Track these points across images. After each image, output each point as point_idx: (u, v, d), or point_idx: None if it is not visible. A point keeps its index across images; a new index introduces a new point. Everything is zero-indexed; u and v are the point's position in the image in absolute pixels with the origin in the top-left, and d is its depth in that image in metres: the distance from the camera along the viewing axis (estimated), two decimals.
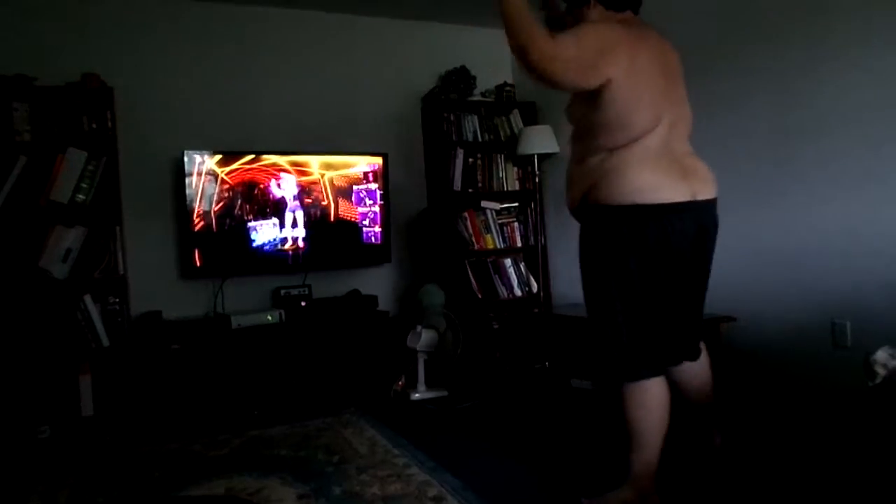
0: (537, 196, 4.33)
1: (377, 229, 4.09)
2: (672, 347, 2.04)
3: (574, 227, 2.07)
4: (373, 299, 4.02)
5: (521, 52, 1.74)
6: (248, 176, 3.74)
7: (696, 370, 2.15)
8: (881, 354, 1.76)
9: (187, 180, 3.58)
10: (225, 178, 3.68)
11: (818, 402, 2.74)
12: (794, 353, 2.90)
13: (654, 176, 1.84)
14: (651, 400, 1.90)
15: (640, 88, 1.84)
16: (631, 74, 1.82)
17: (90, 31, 3.61)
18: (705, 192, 1.91)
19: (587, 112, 1.90)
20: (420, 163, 4.46)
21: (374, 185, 4.06)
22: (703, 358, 2.17)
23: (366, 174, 4.05)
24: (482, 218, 4.39)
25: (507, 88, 4.49)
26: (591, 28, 1.85)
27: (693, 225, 1.89)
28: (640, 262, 1.86)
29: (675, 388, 2.05)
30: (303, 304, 3.86)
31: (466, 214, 4.32)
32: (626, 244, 1.86)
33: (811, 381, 2.82)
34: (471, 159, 4.35)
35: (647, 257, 1.86)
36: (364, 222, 4.06)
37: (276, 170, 3.81)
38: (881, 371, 1.75)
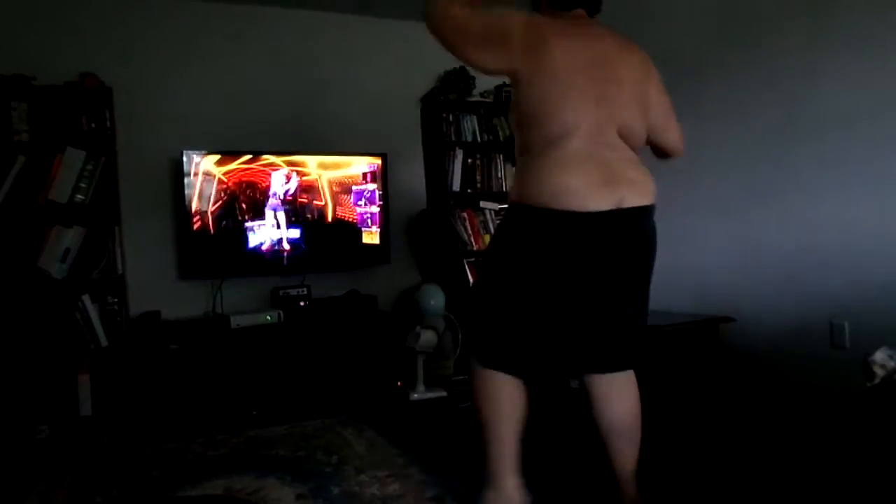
0: None
1: (376, 229, 4.09)
2: (564, 356, 1.91)
3: None
4: (372, 299, 4.02)
5: (427, 14, 1.80)
6: (248, 176, 3.74)
7: (616, 389, 1.93)
8: (879, 355, 1.76)
9: (186, 180, 3.58)
10: (224, 178, 3.67)
11: (816, 402, 2.74)
12: (792, 353, 2.90)
13: (571, 180, 1.71)
14: (495, 391, 1.84)
15: (552, 87, 1.73)
16: (541, 72, 1.74)
17: (88, 30, 3.61)
18: (634, 200, 1.76)
19: (514, 112, 1.86)
20: (419, 163, 4.47)
21: (373, 186, 4.06)
22: (627, 383, 1.95)
23: (365, 174, 4.05)
24: (481, 218, 4.39)
25: (507, 89, 4.49)
26: (507, 12, 1.79)
27: (614, 234, 1.76)
28: (540, 264, 1.77)
29: (597, 415, 1.92)
30: (302, 304, 3.86)
31: (465, 214, 4.32)
32: (530, 245, 1.78)
33: (809, 381, 2.83)
34: (470, 160, 4.35)
35: (550, 261, 1.76)
36: (363, 223, 4.06)
37: (275, 170, 3.81)
38: (879, 371, 1.75)
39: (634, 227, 1.80)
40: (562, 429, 2.81)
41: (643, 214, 1.80)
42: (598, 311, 1.83)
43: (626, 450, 1.90)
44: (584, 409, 1.97)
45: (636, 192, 1.77)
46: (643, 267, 1.87)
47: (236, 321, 3.57)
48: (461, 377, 3.74)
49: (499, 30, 1.76)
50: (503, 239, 1.88)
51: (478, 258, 4.33)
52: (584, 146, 1.73)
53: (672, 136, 1.94)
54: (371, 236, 4.08)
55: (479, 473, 2.34)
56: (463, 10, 1.75)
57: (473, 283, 2.00)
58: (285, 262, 3.86)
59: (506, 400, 1.84)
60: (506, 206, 4.64)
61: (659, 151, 1.99)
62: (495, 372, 1.84)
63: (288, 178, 3.84)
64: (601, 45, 1.82)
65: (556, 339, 1.85)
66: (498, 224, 1.99)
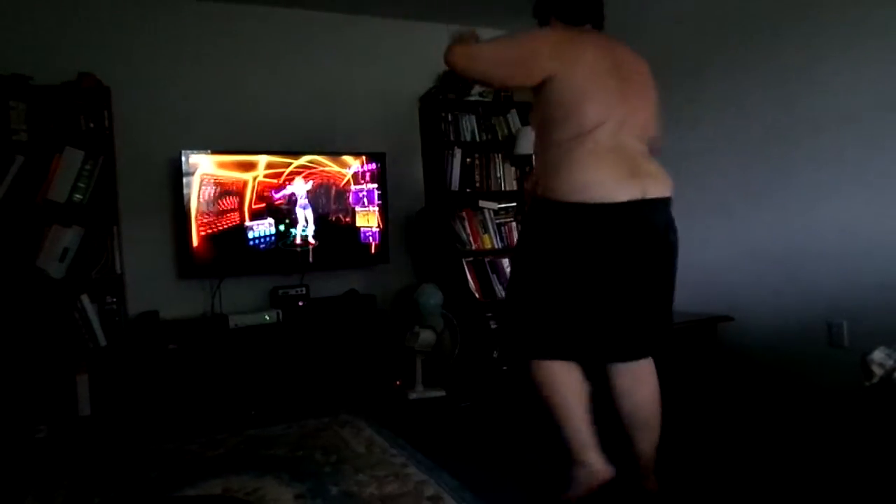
0: None
1: (375, 229, 4.09)
2: (598, 344, 1.96)
3: None
4: (371, 299, 4.01)
5: (446, 59, 1.95)
6: (246, 176, 3.73)
7: (638, 377, 2.00)
8: (878, 354, 1.76)
9: (185, 180, 3.57)
10: (222, 177, 3.67)
11: (815, 401, 2.75)
12: (790, 352, 2.90)
13: (600, 172, 1.84)
14: (556, 376, 1.93)
15: (586, 83, 1.89)
16: (575, 70, 1.89)
17: (87, 30, 3.60)
18: (656, 191, 1.89)
19: (540, 110, 1.99)
20: (418, 163, 4.46)
21: (371, 185, 4.06)
22: (648, 371, 2.02)
23: (363, 174, 4.05)
24: (480, 218, 4.39)
25: (505, 93, 4.48)
26: (530, 32, 2.00)
27: (641, 223, 1.88)
28: (573, 257, 1.88)
29: (618, 402, 2.00)
30: (300, 303, 3.85)
31: (464, 214, 4.33)
32: (562, 239, 1.89)
33: (808, 380, 2.83)
34: (468, 159, 4.35)
35: (582, 253, 1.87)
36: (362, 222, 4.06)
37: (275, 169, 3.81)
38: (878, 371, 1.75)
39: (659, 217, 1.93)
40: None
41: (665, 205, 1.94)
42: (629, 300, 1.93)
43: (646, 436, 1.99)
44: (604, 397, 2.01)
45: (657, 183, 1.90)
46: (669, 255, 1.98)
47: (235, 321, 3.57)
48: (459, 377, 3.74)
49: (529, 48, 1.94)
50: (534, 235, 1.99)
51: (476, 257, 4.34)
52: (610, 140, 1.87)
53: (659, 128, 2.09)
54: (370, 236, 4.08)
55: (476, 472, 2.34)
56: (484, 46, 1.97)
57: (509, 285, 2.11)
58: (287, 261, 3.86)
59: (568, 383, 1.93)
60: (508, 204, 4.65)
61: (652, 144, 2.08)
62: (551, 361, 1.94)
63: (287, 178, 3.84)
64: (620, 52, 2.00)
65: (593, 326, 1.93)
66: (525, 221, 2.08)
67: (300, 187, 3.88)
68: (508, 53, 1.95)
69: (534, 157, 2.11)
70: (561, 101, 1.91)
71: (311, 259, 3.92)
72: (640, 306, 1.95)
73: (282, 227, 3.83)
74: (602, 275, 1.88)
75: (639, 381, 2.00)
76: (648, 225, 1.89)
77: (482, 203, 4.39)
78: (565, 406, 1.93)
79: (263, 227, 3.79)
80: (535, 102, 2.02)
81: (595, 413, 1.97)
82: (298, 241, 3.89)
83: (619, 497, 1.98)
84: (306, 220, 3.90)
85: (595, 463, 1.92)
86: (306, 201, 3.90)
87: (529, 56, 1.92)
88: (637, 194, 1.84)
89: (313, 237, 3.92)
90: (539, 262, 1.94)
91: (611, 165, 1.85)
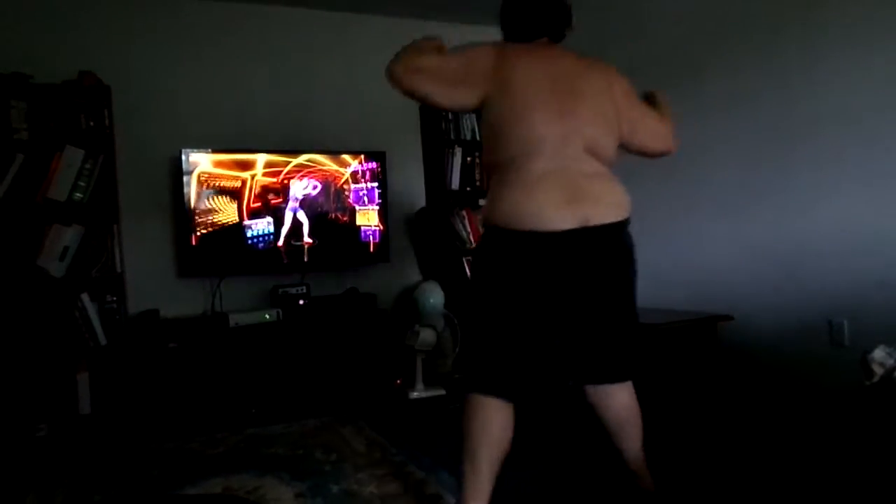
0: None
1: (375, 228, 4.09)
2: (551, 369, 1.93)
3: None
4: (371, 298, 4.01)
5: (395, 80, 1.88)
6: (246, 175, 3.73)
7: (613, 394, 1.95)
8: (878, 353, 1.76)
9: (185, 179, 3.57)
10: (222, 176, 3.67)
11: (815, 400, 2.75)
12: (791, 351, 2.90)
13: (531, 202, 1.74)
14: (485, 415, 1.81)
15: (516, 105, 1.78)
16: (506, 92, 1.79)
17: (87, 28, 3.60)
18: (599, 217, 1.76)
19: (483, 134, 1.95)
20: (418, 161, 4.46)
21: (371, 184, 4.06)
22: (622, 389, 1.96)
23: (364, 173, 4.05)
24: (480, 216, 4.38)
25: None
26: (472, 47, 1.88)
27: (578, 253, 1.77)
28: (509, 284, 1.79)
29: (597, 413, 1.97)
30: (301, 302, 3.85)
31: (464, 213, 4.32)
32: (499, 265, 1.81)
33: (808, 379, 2.83)
34: (469, 158, 4.34)
35: (518, 281, 1.78)
36: (362, 221, 4.06)
37: (275, 168, 3.81)
38: (878, 370, 1.75)
39: (602, 245, 1.81)
40: (560, 427, 2.81)
41: (611, 232, 1.81)
42: (574, 327, 1.86)
43: (628, 437, 1.95)
44: (581, 408, 1.99)
45: (600, 208, 1.78)
46: (618, 281, 1.87)
47: (235, 319, 3.57)
48: (459, 376, 3.74)
49: (470, 64, 1.83)
50: (479, 261, 1.94)
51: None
52: (548, 164, 1.76)
53: (642, 136, 1.95)
54: (370, 235, 4.08)
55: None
56: (433, 60, 1.84)
57: (465, 311, 2.02)
58: (287, 260, 3.86)
59: (494, 424, 1.82)
60: None
61: (643, 153, 2.00)
62: (487, 397, 1.82)
63: (287, 177, 3.84)
64: (562, 63, 1.88)
65: (540, 356, 1.86)
66: (475, 246, 2.04)
67: (300, 186, 3.88)
68: (451, 65, 1.83)
69: None
70: (493, 124, 1.83)
71: (311, 257, 3.91)
72: (589, 332, 1.88)
73: (281, 226, 3.83)
74: (542, 301, 1.80)
75: (612, 398, 1.95)
76: (587, 253, 1.78)
77: (482, 202, 4.39)
78: (479, 448, 1.81)
79: (262, 226, 3.79)
80: (481, 127, 1.97)
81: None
82: (298, 239, 3.88)
83: (616, 498, 1.98)
84: (305, 220, 3.90)
85: None
86: (306, 200, 3.90)
87: (474, 78, 1.82)
88: (575, 223, 1.73)
89: (313, 236, 3.92)
90: (484, 288, 1.87)
91: (546, 192, 1.73)
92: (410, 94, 1.86)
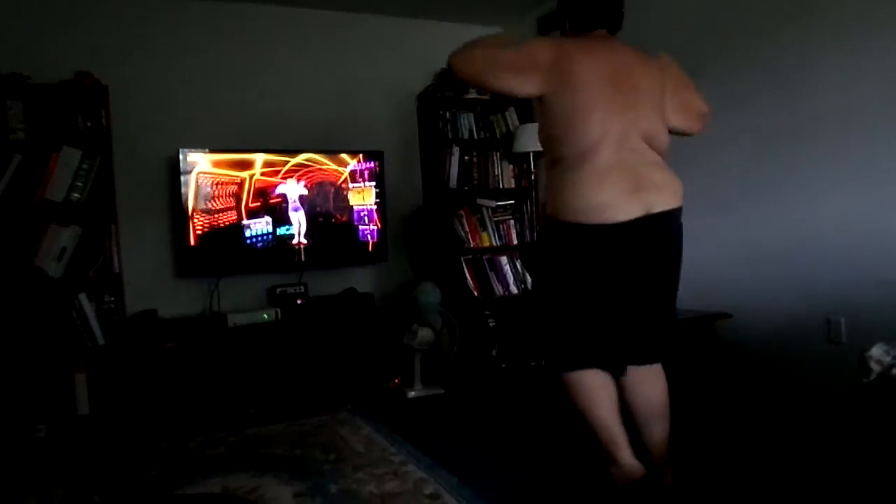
0: (533, 194, 4.33)
1: (373, 227, 4.09)
2: (615, 350, 2.03)
3: None
4: (369, 297, 4.01)
5: (451, 65, 1.96)
6: (244, 174, 3.73)
7: (646, 375, 2.05)
8: (876, 351, 1.76)
9: (182, 178, 3.57)
10: (220, 176, 3.67)
11: (813, 398, 2.75)
12: (788, 349, 2.91)
13: (601, 194, 1.86)
14: (583, 385, 1.99)
15: (582, 100, 1.89)
16: (571, 87, 1.90)
17: (84, 28, 3.59)
18: (661, 204, 1.91)
19: (543, 127, 2.02)
20: (416, 161, 4.46)
21: (370, 184, 4.06)
22: (657, 375, 2.07)
23: (361, 172, 4.05)
24: (478, 216, 4.39)
25: None
26: (532, 40, 2.04)
27: (645, 240, 1.90)
28: (581, 274, 1.94)
29: (628, 400, 2.05)
30: (299, 302, 3.85)
31: (462, 212, 4.33)
32: (570, 258, 1.94)
33: (806, 377, 2.84)
34: (466, 157, 4.35)
35: (590, 271, 1.92)
36: (360, 220, 4.06)
37: (272, 168, 3.80)
38: (876, 367, 1.75)
39: (663, 231, 1.94)
40: (560, 425, 2.81)
41: (671, 217, 1.95)
42: (637, 309, 1.99)
43: (656, 429, 2.03)
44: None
45: (663, 196, 1.91)
46: (672, 267, 2.02)
47: (233, 319, 3.57)
48: (457, 375, 3.75)
49: (528, 56, 1.93)
50: (546, 253, 2.05)
51: (475, 255, 4.34)
52: (612, 156, 1.87)
53: (684, 118, 2.07)
54: (368, 234, 4.08)
55: (475, 470, 2.34)
56: (489, 49, 1.95)
57: (533, 302, 2.18)
58: (285, 259, 3.85)
59: (598, 390, 1.99)
60: (506, 202, 4.67)
61: (683, 133, 2.12)
62: (580, 371, 1.99)
63: (285, 177, 3.84)
64: (622, 58, 1.98)
65: (604, 335, 2.00)
66: (538, 238, 2.18)
67: (295, 186, 3.87)
68: (507, 57, 1.92)
69: (543, 170, 2.15)
70: (559, 119, 1.92)
71: (309, 257, 3.91)
72: (646, 315, 2.01)
73: (279, 226, 3.82)
74: (608, 289, 1.94)
75: (647, 379, 2.05)
76: (652, 240, 1.92)
77: (480, 201, 4.40)
78: (598, 414, 1.98)
79: (260, 226, 3.79)
80: (539, 117, 2.05)
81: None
82: (296, 239, 3.88)
83: (636, 490, 2.00)
84: (303, 219, 3.90)
85: (626, 464, 1.96)
86: (304, 199, 3.89)
87: (529, 65, 1.91)
88: (640, 211, 1.86)
89: (310, 235, 3.91)
90: (551, 280, 2.02)
91: (612, 184, 1.86)
92: (470, 75, 1.97)
